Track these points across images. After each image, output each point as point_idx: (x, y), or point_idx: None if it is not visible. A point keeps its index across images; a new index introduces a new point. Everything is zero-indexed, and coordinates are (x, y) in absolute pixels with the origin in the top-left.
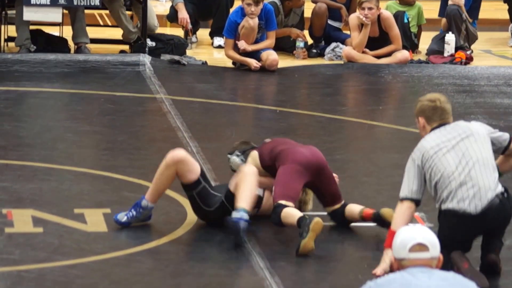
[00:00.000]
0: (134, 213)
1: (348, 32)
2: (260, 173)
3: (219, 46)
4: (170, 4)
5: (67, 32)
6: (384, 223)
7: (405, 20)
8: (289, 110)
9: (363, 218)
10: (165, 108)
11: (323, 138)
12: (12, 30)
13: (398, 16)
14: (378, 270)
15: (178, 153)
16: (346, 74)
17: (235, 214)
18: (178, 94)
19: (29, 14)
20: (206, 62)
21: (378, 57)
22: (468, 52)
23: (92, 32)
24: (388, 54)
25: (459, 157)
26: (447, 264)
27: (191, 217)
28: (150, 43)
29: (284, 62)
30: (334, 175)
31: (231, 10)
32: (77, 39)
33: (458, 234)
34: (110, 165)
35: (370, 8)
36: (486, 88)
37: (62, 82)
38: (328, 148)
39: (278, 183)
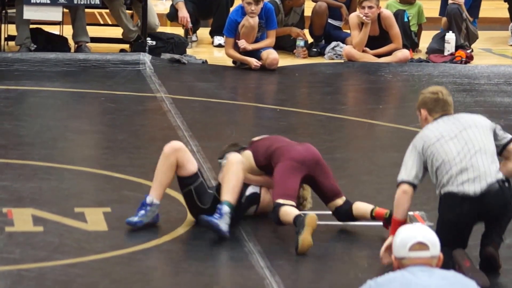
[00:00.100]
0: (143, 211)
1: (348, 31)
2: (255, 172)
3: (219, 45)
4: (170, 3)
5: (67, 31)
6: None
7: (405, 19)
8: (289, 109)
9: (374, 218)
10: (165, 107)
11: (323, 137)
12: (12, 29)
13: (398, 15)
14: (383, 248)
15: (176, 143)
16: (346, 73)
17: (214, 217)
18: (178, 93)
19: (29, 13)
20: (206, 61)
21: (379, 56)
22: (468, 51)
23: (92, 31)
24: (389, 53)
25: (461, 145)
26: (449, 262)
27: (191, 216)
28: (150, 42)
29: (284, 61)
30: None
31: (231, 9)
32: (77, 38)
33: (457, 217)
34: (110, 164)
35: (370, 7)
36: (486, 87)
37: (62, 81)
38: (328, 147)
39: (276, 182)
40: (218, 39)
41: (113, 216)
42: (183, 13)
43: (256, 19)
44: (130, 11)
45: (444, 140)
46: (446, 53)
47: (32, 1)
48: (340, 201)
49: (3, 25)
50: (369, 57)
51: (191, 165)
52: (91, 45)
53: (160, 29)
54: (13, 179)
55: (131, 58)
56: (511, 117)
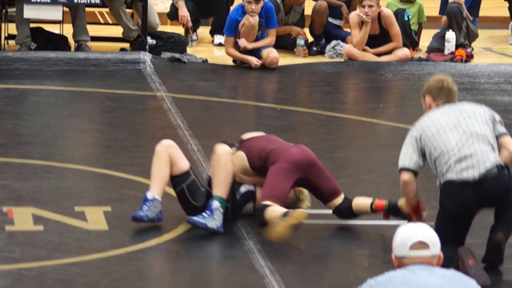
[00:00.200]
0: (146, 207)
1: (348, 30)
2: (248, 173)
3: (220, 44)
4: (170, 2)
5: (68, 30)
6: (399, 214)
7: (406, 18)
8: (289, 108)
9: (374, 210)
10: (165, 106)
11: (324, 136)
12: (12, 28)
13: (399, 14)
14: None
15: (167, 140)
16: (346, 72)
17: (200, 216)
18: (178, 92)
19: (29, 12)
20: (206, 60)
21: (379, 55)
22: (469, 50)
23: (93, 30)
24: (389, 52)
25: (460, 135)
26: (453, 259)
27: None
28: (150, 41)
29: (285, 60)
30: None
31: (232, 8)
32: (77, 37)
33: (458, 205)
34: (110, 163)
35: (370, 6)
36: (486, 86)
37: (62, 80)
38: (329, 146)
39: (267, 183)
40: (219, 38)
41: (114, 215)
42: (184, 12)
43: (256, 18)
44: (130, 10)
45: (443, 131)
46: (446, 52)
47: (32, 0)
48: (339, 199)
49: (3, 24)
50: (369, 56)
51: (182, 163)
52: (92, 44)
53: (161, 28)
54: (13, 178)
55: (131, 57)
56: (511, 116)
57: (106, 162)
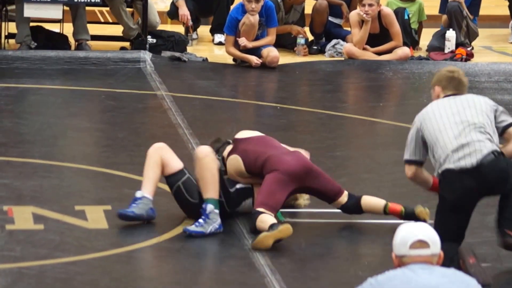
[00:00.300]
0: (134, 205)
1: (348, 29)
2: (244, 176)
3: (220, 43)
4: (170, 0)
5: (68, 29)
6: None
7: (406, 17)
8: (289, 106)
9: (388, 214)
10: (165, 105)
11: (324, 135)
12: (12, 27)
13: (399, 13)
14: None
15: (159, 143)
16: (346, 70)
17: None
18: (178, 91)
19: (29, 11)
20: (206, 59)
21: (379, 53)
22: (469, 49)
23: (93, 29)
24: (389, 51)
25: (457, 125)
26: (453, 258)
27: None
28: (150, 39)
29: (285, 58)
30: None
31: (232, 7)
32: (77, 35)
33: (458, 194)
34: (110, 162)
35: (370, 5)
36: (486, 85)
37: (62, 79)
38: (329, 145)
39: (261, 192)
40: (219, 37)
41: (114, 214)
42: (184, 11)
43: (257, 17)
44: (130, 9)
45: (442, 121)
46: (446, 51)
47: None
48: (344, 198)
49: (3, 23)
50: (369, 55)
51: (175, 162)
52: (92, 43)
53: (161, 27)
54: (13, 177)
55: (131, 56)
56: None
57: (106, 161)
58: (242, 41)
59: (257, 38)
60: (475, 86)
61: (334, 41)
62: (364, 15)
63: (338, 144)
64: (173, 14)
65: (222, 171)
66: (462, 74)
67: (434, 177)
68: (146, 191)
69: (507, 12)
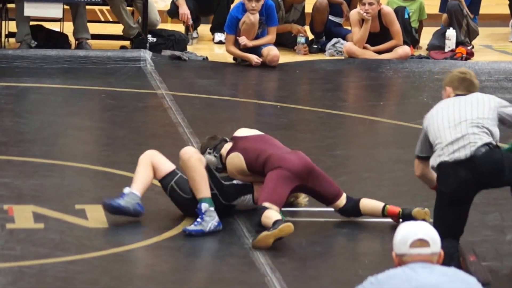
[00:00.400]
0: (120, 198)
1: (349, 28)
2: (244, 174)
3: (220, 42)
4: None
5: (68, 28)
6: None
7: (406, 16)
8: (290, 105)
9: (386, 216)
10: (166, 104)
11: (324, 134)
12: (12, 26)
13: (399, 12)
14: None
15: (150, 150)
16: (347, 69)
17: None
18: (179, 89)
19: (29, 9)
20: (207, 57)
21: (379, 52)
22: (469, 48)
23: (93, 27)
24: (389, 50)
25: (455, 122)
26: (453, 256)
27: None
28: (151, 38)
29: (285, 57)
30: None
31: (232, 5)
32: (78, 34)
33: (454, 186)
34: (111, 161)
35: (370, 4)
36: (487, 84)
37: (62, 78)
38: (329, 144)
39: (265, 187)
40: (219, 36)
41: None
42: (184, 9)
43: (257, 15)
44: (130, 8)
45: (442, 121)
46: (446, 50)
47: None
48: (342, 200)
49: (3, 22)
50: (369, 53)
51: (166, 165)
52: (92, 41)
53: (161, 26)
54: (14, 176)
55: (131, 55)
56: None
57: (106, 160)
58: (242, 40)
59: (257, 37)
60: None
61: (334, 40)
62: (365, 14)
63: (338, 143)
64: (173, 13)
65: (215, 168)
66: (473, 76)
67: None
68: (134, 188)
69: (507, 11)
